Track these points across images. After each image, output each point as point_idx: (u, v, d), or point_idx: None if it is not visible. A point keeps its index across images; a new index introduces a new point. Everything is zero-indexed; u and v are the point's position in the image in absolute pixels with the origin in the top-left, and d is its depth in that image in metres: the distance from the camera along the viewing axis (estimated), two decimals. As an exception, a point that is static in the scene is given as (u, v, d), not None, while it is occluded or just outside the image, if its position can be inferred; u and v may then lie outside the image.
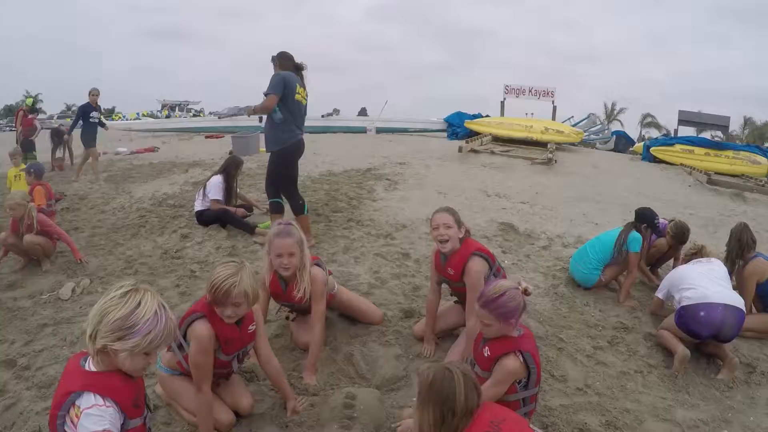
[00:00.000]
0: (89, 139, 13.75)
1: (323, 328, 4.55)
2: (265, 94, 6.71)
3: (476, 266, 4.39)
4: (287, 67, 7.03)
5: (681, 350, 4.79)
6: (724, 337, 4.87)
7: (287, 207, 7.32)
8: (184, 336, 3.52)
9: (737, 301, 5.03)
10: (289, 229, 4.32)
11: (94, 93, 13.73)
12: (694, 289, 5.11)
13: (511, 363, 3.27)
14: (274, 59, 7.06)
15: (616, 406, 4.16)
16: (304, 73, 7.28)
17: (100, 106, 14.21)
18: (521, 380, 3.31)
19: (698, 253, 5.74)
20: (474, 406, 2.58)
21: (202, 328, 3.40)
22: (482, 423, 2.57)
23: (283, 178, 7.25)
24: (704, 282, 5.18)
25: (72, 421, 2.35)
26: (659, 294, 5.64)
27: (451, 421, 2.52)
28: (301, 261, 4.40)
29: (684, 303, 5.07)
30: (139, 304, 2.43)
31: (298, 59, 7.14)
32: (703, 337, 4.89)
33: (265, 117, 7.06)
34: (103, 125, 14.30)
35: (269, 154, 7.22)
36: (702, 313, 4.89)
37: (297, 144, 7.19)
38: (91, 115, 13.75)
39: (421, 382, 2.64)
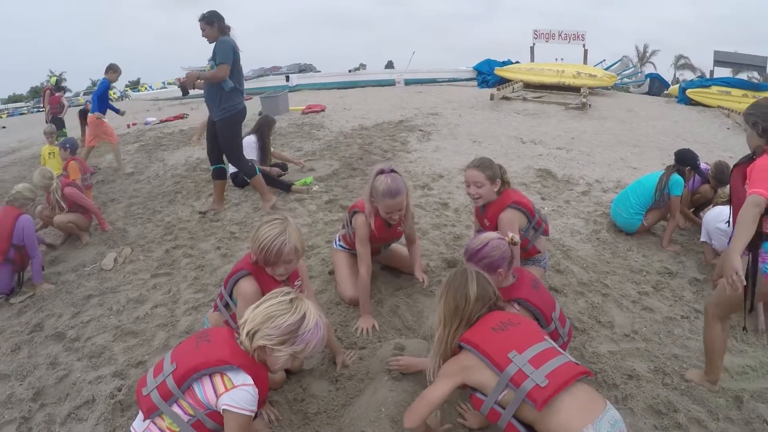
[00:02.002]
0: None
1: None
2: (217, 63, 6.59)
3: (507, 217, 4.31)
4: (225, 29, 6.78)
5: None
6: None
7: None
8: (230, 294, 3.54)
9: None
10: (398, 186, 4.22)
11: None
12: None
13: None
14: (209, 19, 6.69)
15: (663, 352, 4.11)
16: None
17: None
18: None
19: (729, 202, 5.68)
20: (489, 297, 2.87)
21: (248, 286, 3.41)
22: (494, 319, 2.81)
23: (238, 144, 7.24)
24: None
25: (214, 386, 2.54)
26: (704, 239, 5.53)
27: (464, 306, 2.82)
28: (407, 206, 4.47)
29: None
30: (305, 315, 2.65)
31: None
32: None
33: (211, 83, 6.83)
34: None
35: (216, 123, 7.02)
36: None
37: (244, 110, 7.14)
38: None
39: (440, 286, 2.95)
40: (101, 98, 11.85)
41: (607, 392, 3.55)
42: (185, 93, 7.43)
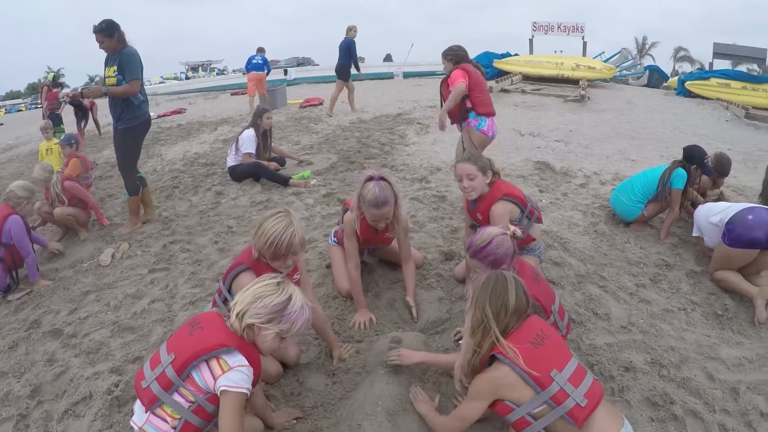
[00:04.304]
0: (347, 73, 14.63)
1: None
2: (127, 80, 6.34)
3: (499, 210, 4.30)
4: (123, 38, 6.43)
5: (758, 291, 4.60)
6: None
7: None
8: (229, 289, 3.53)
9: None
10: (385, 197, 4.16)
11: (353, 29, 14.66)
12: (729, 206, 5.06)
13: None
14: (108, 32, 6.28)
15: (660, 344, 4.09)
16: None
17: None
18: None
19: (719, 198, 5.75)
20: (524, 308, 2.79)
21: (248, 280, 3.32)
22: (530, 331, 2.76)
23: (135, 156, 6.98)
24: (734, 203, 5.15)
25: (212, 371, 2.63)
26: (695, 233, 5.53)
27: (504, 317, 2.73)
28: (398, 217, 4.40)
29: (729, 217, 4.94)
30: (291, 296, 2.76)
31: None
32: (762, 242, 4.69)
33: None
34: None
35: (117, 131, 6.70)
36: (750, 216, 4.75)
37: (149, 119, 6.92)
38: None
39: (475, 286, 2.85)
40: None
41: (604, 384, 3.54)
42: (78, 106, 7.33)
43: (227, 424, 2.56)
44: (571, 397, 2.56)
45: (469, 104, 6.41)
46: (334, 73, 15.03)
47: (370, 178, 4.25)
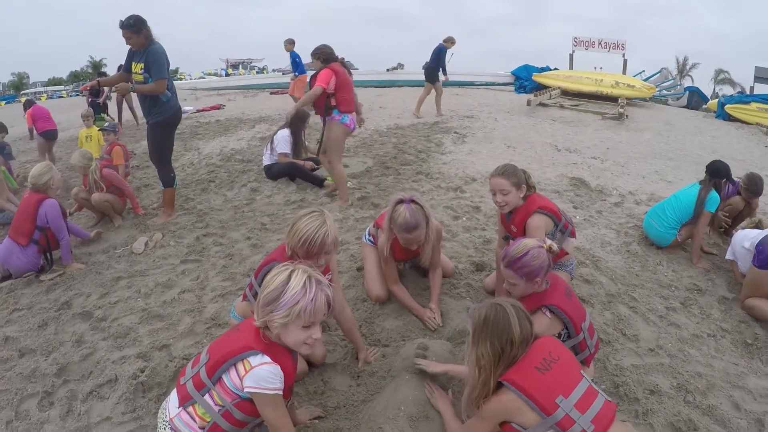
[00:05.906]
0: (433, 76, 15.19)
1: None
2: (154, 78, 6.41)
3: (535, 222, 4.26)
4: (150, 35, 6.45)
5: None
6: None
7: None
8: (260, 284, 3.54)
9: None
10: (416, 221, 4.17)
11: (450, 40, 15.30)
12: (763, 231, 5.05)
13: (540, 321, 3.23)
14: (136, 28, 6.30)
15: (687, 370, 4.04)
16: None
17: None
18: (561, 333, 3.32)
19: (758, 226, 5.67)
20: (528, 334, 2.72)
21: None
22: (536, 355, 2.71)
23: (168, 148, 7.04)
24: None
25: (237, 372, 2.57)
26: (729, 256, 5.49)
27: (509, 351, 2.66)
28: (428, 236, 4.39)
29: (759, 238, 4.91)
30: (289, 278, 2.58)
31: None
32: None
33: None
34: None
35: (149, 125, 6.84)
36: None
37: (179, 111, 7.05)
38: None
39: (474, 321, 2.76)
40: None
41: (628, 406, 3.53)
42: (96, 95, 7.42)
43: (271, 421, 2.59)
44: (577, 423, 2.55)
45: (333, 102, 7.01)
46: (373, 78, 15.00)
47: (401, 201, 4.26)
